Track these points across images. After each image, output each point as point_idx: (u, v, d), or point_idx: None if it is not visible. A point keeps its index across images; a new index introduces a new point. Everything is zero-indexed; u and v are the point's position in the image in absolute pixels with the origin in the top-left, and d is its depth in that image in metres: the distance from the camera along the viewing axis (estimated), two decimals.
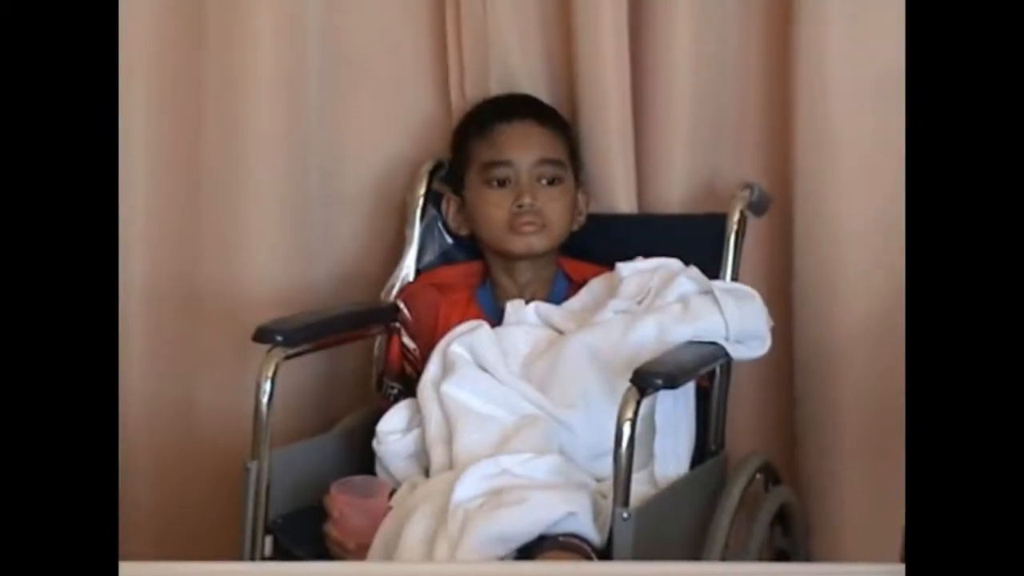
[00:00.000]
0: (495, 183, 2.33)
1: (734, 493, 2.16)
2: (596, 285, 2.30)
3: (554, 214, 2.32)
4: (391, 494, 2.10)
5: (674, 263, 2.25)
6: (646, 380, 1.94)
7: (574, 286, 2.35)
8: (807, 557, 2.41)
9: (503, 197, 2.32)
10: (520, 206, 2.30)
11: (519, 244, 2.31)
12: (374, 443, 2.20)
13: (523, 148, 2.34)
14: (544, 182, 2.33)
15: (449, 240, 2.46)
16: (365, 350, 2.45)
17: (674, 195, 2.47)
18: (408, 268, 2.43)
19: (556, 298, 2.34)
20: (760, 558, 2.20)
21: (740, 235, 2.30)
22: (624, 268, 2.26)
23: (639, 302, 2.21)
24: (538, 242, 2.32)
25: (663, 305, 2.17)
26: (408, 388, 2.30)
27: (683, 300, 2.16)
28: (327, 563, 1.99)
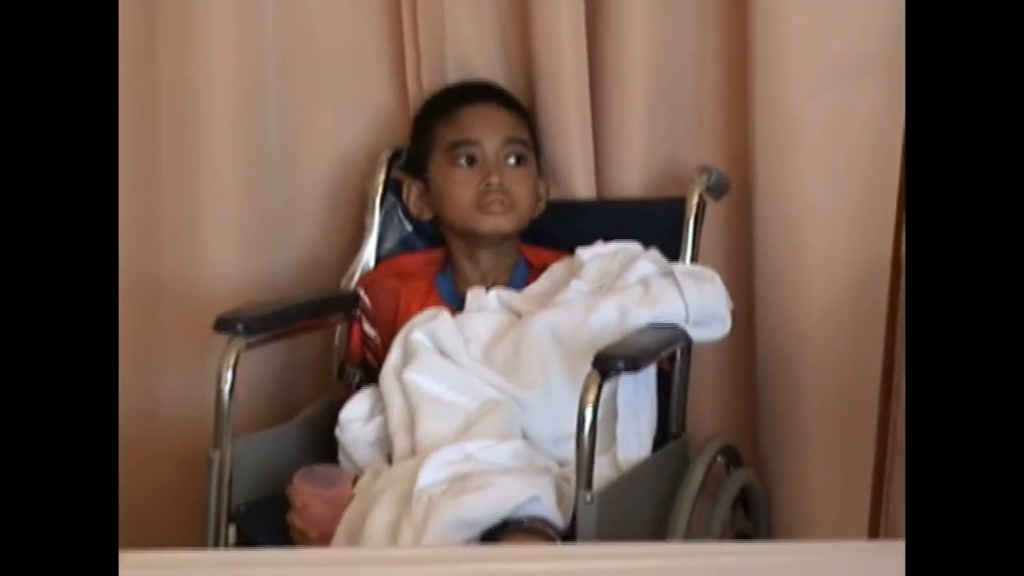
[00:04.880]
0: (462, 162, 2.33)
1: (696, 476, 2.17)
2: (557, 270, 2.31)
3: (520, 195, 2.33)
4: (354, 482, 2.10)
5: (634, 246, 2.26)
6: (608, 363, 1.95)
7: (535, 272, 2.35)
8: (769, 538, 2.42)
9: (470, 176, 2.32)
10: (488, 184, 2.30)
11: (487, 224, 2.31)
12: (337, 431, 2.20)
13: (489, 128, 2.35)
14: (512, 161, 2.34)
15: (409, 227, 2.46)
16: (326, 339, 2.45)
17: (633, 180, 2.48)
18: (368, 256, 2.43)
19: (517, 284, 2.34)
20: (722, 540, 2.21)
21: (699, 218, 2.31)
22: (584, 253, 2.26)
23: (600, 287, 2.22)
24: (505, 222, 2.32)
25: (624, 287, 2.17)
26: (370, 376, 2.30)
27: (644, 282, 2.17)
28: (294, 549, 1.99)
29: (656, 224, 2.33)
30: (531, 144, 2.39)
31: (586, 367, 1.95)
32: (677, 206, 2.32)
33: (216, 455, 2.11)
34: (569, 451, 1.98)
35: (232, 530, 2.12)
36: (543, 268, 2.33)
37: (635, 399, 2.14)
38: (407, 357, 2.20)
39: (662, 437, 2.23)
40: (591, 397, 1.92)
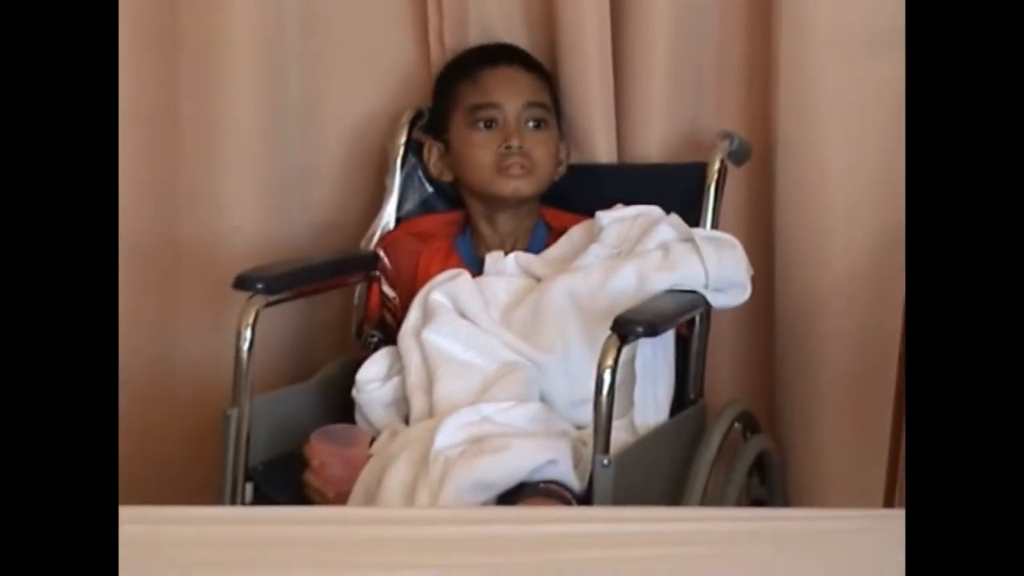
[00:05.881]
0: (482, 125, 2.33)
1: (713, 442, 2.17)
2: (576, 233, 2.30)
3: (541, 158, 2.32)
4: (371, 442, 2.10)
5: (655, 210, 2.25)
6: (627, 328, 1.95)
7: (554, 234, 2.35)
8: (784, 506, 2.42)
9: (490, 139, 2.32)
10: (508, 147, 2.30)
11: (506, 187, 2.31)
12: (354, 391, 2.20)
13: (510, 91, 2.34)
14: (531, 125, 2.33)
15: (429, 189, 2.45)
16: (345, 298, 2.45)
17: (654, 145, 2.47)
18: (388, 217, 2.43)
19: (536, 247, 2.34)
20: (738, 506, 2.21)
21: (720, 184, 2.30)
22: (604, 216, 2.26)
23: (619, 251, 2.22)
24: (525, 186, 2.32)
25: (643, 252, 2.17)
26: (388, 336, 2.30)
27: (663, 247, 2.17)
28: (312, 507, 1.99)
29: (677, 189, 2.33)
30: (552, 108, 2.38)
31: (604, 331, 1.95)
32: (698, 171, 2.31)
33: (234, 413, 2.11)
34: (586, 415, 1.98)
35: (249, 488, 2.12)
36: (562, 230, 2.33)
37: (653, 364, 2.14)
38: (426, 318, 2.20)
39: (679, 402, 2.23)
40: (609, 361, 1.92)
